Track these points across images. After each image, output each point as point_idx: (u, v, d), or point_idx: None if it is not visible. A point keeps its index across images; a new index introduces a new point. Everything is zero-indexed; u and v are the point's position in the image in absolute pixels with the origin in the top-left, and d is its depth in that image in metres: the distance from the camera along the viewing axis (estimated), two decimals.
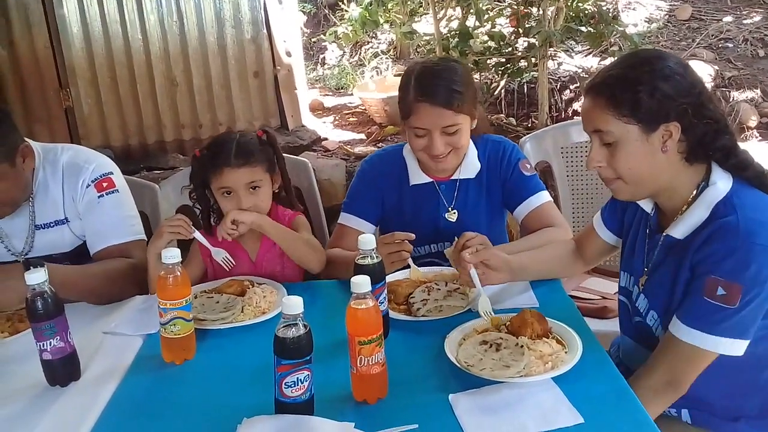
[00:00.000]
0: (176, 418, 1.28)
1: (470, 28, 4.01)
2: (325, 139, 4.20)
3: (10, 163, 1.74)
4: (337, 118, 4.85)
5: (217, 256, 1.81)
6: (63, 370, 1.39)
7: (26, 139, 1.85)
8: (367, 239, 1.44)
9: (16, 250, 1.90)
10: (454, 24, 4.36)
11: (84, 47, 3.75)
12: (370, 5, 4.50)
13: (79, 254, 1.94)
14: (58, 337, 1.36)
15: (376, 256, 1.44)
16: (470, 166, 1.97)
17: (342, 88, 5.81)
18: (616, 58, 1.90)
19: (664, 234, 1.44)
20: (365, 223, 2.00)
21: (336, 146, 4.05)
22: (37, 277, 1.33)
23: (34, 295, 1.34)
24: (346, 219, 2.02)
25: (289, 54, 4.02)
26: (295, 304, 1.16)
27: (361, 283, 1.23)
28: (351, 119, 4.79)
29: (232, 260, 1.83)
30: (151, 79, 3.84)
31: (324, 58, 6.52)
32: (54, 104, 3.81)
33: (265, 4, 3.86)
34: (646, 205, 1.51)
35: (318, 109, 4.98)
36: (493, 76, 4.42)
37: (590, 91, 1.40)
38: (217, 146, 1.84)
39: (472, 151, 1.97)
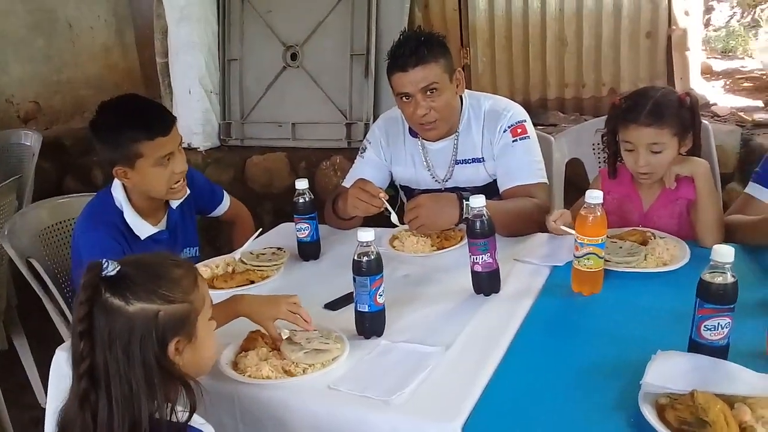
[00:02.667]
0: (589, 340, 1.42)
1: None
2: (714, 104, 3.91)
3: (449, 76, 2.09)
4: (728, 82, 4.45)
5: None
6: (488, 282, 1.64)
7: None
8: None
9: (438, 178, 2.26)
10: None
11: (487, 9, 4.09)
12: None
13: (488, 190, 2.18)
14: (488, 254, 1.60)
15: None
16: None
17: (729, 51, 5.28)
18: None
19: None
20: None
21: (727, 112, 3.74)
22: (480, 201, 1.59)
23: (475, 216, 1.59)
24: (754, 189, 1.92)
25: (687, 13, 3.81)
26: (726, 253, 1.20)
27: None
28: (745, 84, 4.35)
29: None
30: (542, 39, 4.02)
31: (709, 18, 5.98)
32: (455, 61, 4.25)
33: None
34: None
35: (706, 73, 4.63)
36: None
37: None
38: (635, 99, 1.89)
39: None
